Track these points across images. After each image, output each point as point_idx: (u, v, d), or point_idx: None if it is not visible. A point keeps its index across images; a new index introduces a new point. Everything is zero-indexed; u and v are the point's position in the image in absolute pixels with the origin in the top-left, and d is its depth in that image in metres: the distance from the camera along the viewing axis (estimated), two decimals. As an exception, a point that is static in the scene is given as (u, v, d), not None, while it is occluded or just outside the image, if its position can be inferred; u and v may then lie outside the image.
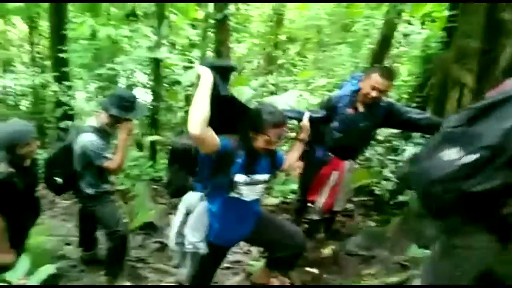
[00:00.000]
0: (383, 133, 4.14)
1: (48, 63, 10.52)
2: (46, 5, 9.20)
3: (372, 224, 3.58)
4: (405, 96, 5.24)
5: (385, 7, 6.18)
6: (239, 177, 2.13)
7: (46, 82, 6.15)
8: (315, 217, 3.37)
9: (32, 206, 2.77)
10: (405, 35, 7.34)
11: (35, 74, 6.06)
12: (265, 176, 2.27)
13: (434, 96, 4.01)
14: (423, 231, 2.91)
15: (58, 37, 7.30)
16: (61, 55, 6.49)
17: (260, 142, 2.07)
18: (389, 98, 3.10)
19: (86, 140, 2.77)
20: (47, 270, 1.70)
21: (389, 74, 2.84)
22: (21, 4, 10.86)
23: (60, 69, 6.73)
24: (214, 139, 1.95)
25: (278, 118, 2.04)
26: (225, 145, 2.02)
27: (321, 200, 3.26)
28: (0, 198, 2.43)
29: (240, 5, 8.09)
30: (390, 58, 6.76)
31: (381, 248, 3.15)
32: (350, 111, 3.01)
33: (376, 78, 2.79)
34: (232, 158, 2.09)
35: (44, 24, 12.00)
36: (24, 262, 1.70)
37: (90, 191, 2.94)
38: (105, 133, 2.92)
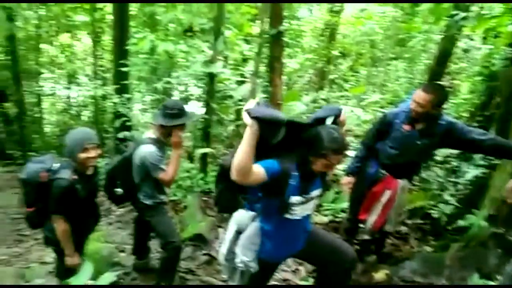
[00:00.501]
0: (441, 153, 3.94)
1: (109, 75, 11.23)
2: (110, 21, 9.82)
3: (429, 249, 3.38)
4: (466, 114, 4.98)
5: (444, 21, 5.95)
6: (294, 199, 2.11)
7: (107, 93, 6.48)
8: (365, 236, 3.26)
9: (92, 213, 2.90)
10: (465, 51, 7.02)
11: (97, 86, 6.40)
12: (317, 192, 2.25)
13: (499, 115, 3.77)
14: (486, 260, 2.71)
15: (120, 51, 7.74)
16: (122, 68, 6.83)
17: (319, 166, 2.05)
18: (449, 117, 2.94)
19: (146, 151, 2.87)
20: (109, 277, 1.75)
21: (431, 89, 2.74)
22: (87, 19, 11.69)
23: (121, 82, 7.10)
24: (258, 177, 1.94)
25: (340, 145, 2.00)
26: (274, 173, 2.00)
27: (371, 219, 3.15)
28: (63, 204, 2.56)
29: (293, 21, 8.14)
30: (449, 74, 6.47)
31: (438, 276, 2.96)
32: (406, 128, 2.91)
33: (418, 92, 2.75)
34: (284, 183, 2.06)
35: (106, 39, 12.85)
36: (88, 268, 1.75)
37: (148, 201, 3.03)
38: (162, 144, 3.01)
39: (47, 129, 12.86)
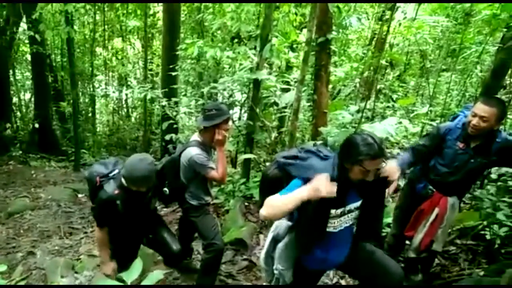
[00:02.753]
0: (497, 171, 3.74)
1: (158, 79, 11.67)
2: (160, 27, 10.18)
3: (480, 272, 3.21)
4: (523, 132, 4.70)
5: (500, 33, 5.69)
6: (331, 212, 2.08)
7: (156, 97, 6.72)
8: (412, 254, 3.12)
9: (137, 228, 2.97)
10: (524, 64, 6.65)
11: (146, 89, 6.66)
12: (357, 204, 2.17)
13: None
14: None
15: (169, 56, 8.02)
16: (170, 73, 7.07)
17: (356, 173, 1.99)
18: (507, 134, 2.79)
19: (192, 153, 2.94)
20: (157, 275, 1.78)
21: (494, 101, 2.57)
22: (138, 25, 12.21)
23: (169, 86, 7.35)
24: (285, 213, 1.96)
25: (376, 150, 1.91)
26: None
27: (418, 236, 3.02)
28: (100, 214, 2.73)
29: (341, 29, 8.08)
30: (505, 88, 6.15)
31: (491, 302, 2.80)
32: (460, 145, 2.78)
33: (478, 105, 2.59)
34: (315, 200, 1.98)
35: (157, 44, 13.37)
36: (138, 265, 1.79)
37: (193, 202, 3.11)
38: (207, 146, 3.09)
39: (99, 128, 13.52)
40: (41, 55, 9.75)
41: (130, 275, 1.70)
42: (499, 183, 3.80)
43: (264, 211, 1.96)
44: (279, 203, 1.92)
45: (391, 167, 2.85)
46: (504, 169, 3.76)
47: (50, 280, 3.77)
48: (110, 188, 2.66)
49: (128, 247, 3.00)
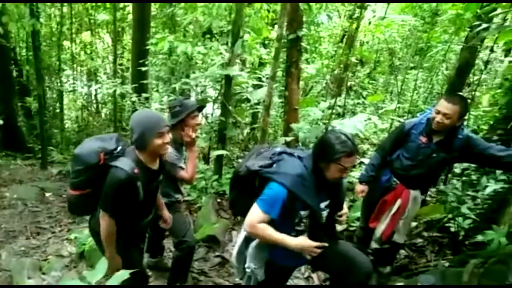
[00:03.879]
0: (460, 166, 3.90)
1: (128, 74, 11.43)
2: (130, 20, 9.97)
3: (445, 263, 3.34)
4: (485, 127, 4.90)
5: (465, 32, 5.91)
6: (303, 213, 2.11)
7: (126, 92, 6.60)
8: (374, 245, 3.21)
9: (147, 213, 2.51)
10: (487, 62, 6.94)
11: (116, 84, 6.52)
12: (326, 203, 2.22)
13: (520, 129, 3.71)
14: (506, 279, 2.65)
15: (139, 51, 7.89)
16: (141, 68, 6.95)
17: (333, 172, 2.04)
18: (468, 131, 2.91)
19: None
20: (122, 276, 1.73)
21: (456, 99, 2.69)
22: (107, 18, 11.92)
23: (139, 81, 7.22)
24: (265, 223, 2.09)
25: (351, 147, 1.98)
26: (280, 208, 2.04)
27: (380, 227, 3.12)
28: (116, 201, 2.14)
29: (312, 26, 8.15)
30: (469, 85, 6.41)
31: (456, 291, 2.91)
32: (423, 139, 2.89)
33: (441, 102, 2.71)
34: (292, 204, 2.06)
35: (127, 38, 13.10)
36: (102, 264, 1.74)
37: (164, 200, 3.07)
38: (178, 145, 3.06)
39: (67, 124, 13.13)
40: (5, 48, 9.35)
41: (95, 275, 1.65)
42: (463, 178, 3.97)
43: (250, 229, 2.09)
44: (268, 236, 2.08)
45: (356, 190, 3.24)
46: (467, 164, 3.92)
47: (16, 282, 3.66)
48: (127, 165, 2.10)
49: (137, 240, 2.56)
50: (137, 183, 2.13)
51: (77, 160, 2.21)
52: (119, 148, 2.23)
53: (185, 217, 3.27)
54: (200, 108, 3.21)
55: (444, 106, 2.67)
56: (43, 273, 3.81)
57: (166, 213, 2.95)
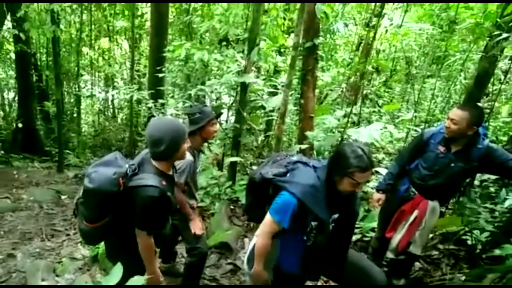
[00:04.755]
0: (479, 177, 3.82)
1: (144, 80, 11.58)
2: (148, 28, 10.12)
3: (462, 277, 3.25)
4: (505, 138, 4.82)
5: (483, 41, 5.81)
6: (315, 223, 2.09)
7: (142, 98, 6.67)
8: (390, 255, 3.16)
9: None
10: (506, 72, 6.80)
11: (133, 90, 6.59)
12: (335, 216, 2.18)
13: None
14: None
15: (156, 58, 7.99)
16: (157, 74, 7.03)
17: (345, 185, 2.00)
18: (488, 141, 2.84)
19: None
20: (138, 280, 1.74)
21: (468, 107, 2.70)
22: (126, 25, 12.12)
23: (156, 87, 7.30)
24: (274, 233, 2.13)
25: (366, 163, 1.93)
26: (290, 218, 2.03)
27: (396, 237, 3.07)
28: (154, 217, 2.11)
29: (328, 35, 8.15)
30: (488, 95, 6.28)
31: (472, 307, 2.84)
32: (441, 149, 2.84)
33: (453, 110, 2.74)
34: (304, 216, 2.04)
35: (144, 45, 13.29)
36: (118, 270, 1.74)
37: (177, 205, 3.07)
38: (196, 151, 3.07)
39: (84, 128, 13.35)
40: (26, 54, 9.60)
41: (110, 281, 1.65)
42: (482, 190, 3.89)
43: (260, 236, 2.15)
44: (259, 253, 2.18)
45: (373, 199, 3.21)
46: (486, 175, 3.84)
47: (30, 283, 3.70)
48: (153, 181, 2.03)
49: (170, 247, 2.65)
50: (167, 194, 2.10)
51: (93, 193, 2.04)
52: (129, 166, 2.12)
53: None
54: (218, 115, 3.25)
55: (453, 112, 2.71)
56: (57, 275, 3.85)
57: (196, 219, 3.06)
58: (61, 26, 9.93)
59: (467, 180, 3.16)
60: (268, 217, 2.10)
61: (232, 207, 4.94)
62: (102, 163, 2.14)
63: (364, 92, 7.50)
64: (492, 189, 3.79)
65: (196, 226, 3.03)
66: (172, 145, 2.11)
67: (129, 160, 2.24)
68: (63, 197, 6.64)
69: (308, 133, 4.82)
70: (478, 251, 3.41)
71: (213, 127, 3.03)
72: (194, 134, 2.98)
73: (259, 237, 2.15)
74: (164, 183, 2.09)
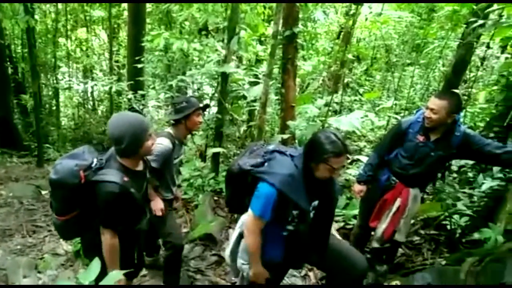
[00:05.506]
0: (457, 163, 3.90)
1: (124, 71, 11.37)
2: (126, 17, 9.91)
3: (442, 262, 3.34)
4: (482, 124, 4.91)
5: (461, 29, 5.90)
6: (295, 212, 2.11)
7: (122, 89, 6.56)
8: (375, 244, 3.21)
9: (140, 217, 2.39)
10: (483, 59, 6.93)
11: (112, 81, 6.47)
12: (315, 203, 2.21)
13: (517, 126, 3.71)
14: (502, 277, 2.65)
15: (135, 48, 7.84)
16: (136, 65, 6.91)
17: (322, 172, 2.02)
18: (465, 127, 2.90)
19: (158, 141, 2.76)
20: (116, 275, 1.72)
21: (445, 95, 2.73)
22: (103, 15, 11.85)
23: (135, 78, 7.18)
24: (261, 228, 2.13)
25: (340, 148, 1.96)
26: (272, 210, 2.04)
27: (381, 227, 3.11)
28: (115, 213, 2.07)
29: (308, 23, 8.12)
30: (465, 82, 6.40)
31: (452, 290, 2.90)
32: (420, 138, 2.87)
33: (431, 98, 2.76)
34: (286, 205, 2.06)
35: (123, 35, 13.02)
36: (96, 264, 1.71)
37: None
38: (178, 141, 3.05)
39: (63, 122, 13.07)
40: (0, 45, 9.29)
41: (88, 276, 1.63)
42: (460, 175, 3.97)
43: (248, 236, 2.16)
44: (252, 250, 2.18)
45: (354, 190, 3.25)
46: (463, 161, 3.92)
47: (11, 281, 3.64)
48: (116, 177, 2.01)
49: (133, 248, 2.46)
50: (130, 190, 2.06)
51: (56, 185, 2.07)
52: (95, 160, 2.10)
53: (172, 216, 3.25)
54: (206, 106, 3.29)
55: (432, 101, 2.72)
56: (39, 272, 3.80)
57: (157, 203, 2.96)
58: (36, 16, 9.63)
59: (446, 165, 3.21)
60: (250, 214, 2.10)
61: (215, 198, 4.93)
62: (68, 156, 2.15)
63: (345, 80, 7.54)
64: (470, 174, 3.88)
65: (155, 206, 2.95)
66: (134, 141, 2.06)
67: (101, 154, 2.20)
68: (43, 192, 6.52)
69: (289, 123, 4.82)
70: (457, 235, 3.50)
71: (198, 117, 3.03)
72: (178, 123, 2.99)
73: (248, 237, 2.15)
74: (126, 179, 2.05)
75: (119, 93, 8.21)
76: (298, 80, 6.12)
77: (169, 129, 3.07)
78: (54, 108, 12.57)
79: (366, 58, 9.06)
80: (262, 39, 7.35)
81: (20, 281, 3.62)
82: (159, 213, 2.95)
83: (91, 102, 13.99)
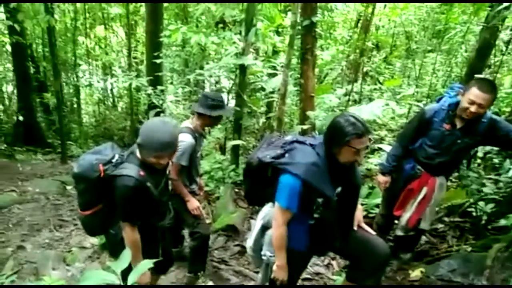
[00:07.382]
0: (482, 149, 3.80)
1: (142, 67, 11.49)
2: (143, 13, 9.98)
3: (468, 248, 3.27)
4: (507, 109, 4.77)
5: (484, 12, 5.71)
6: (321, 200, 2.08)
7: (141, 85, 6.63)
8: (400, 233, 3.18)
9: (162, 214, 2.47)
10: (508, 43, 6.70)
11: (131, 77, 6.56)
12: (338, 190, 2.17)
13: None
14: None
15: (153, 44, 7.89)
16: (155, 60, 6.96)
17: (345, 155, 2.00)
18: (491, 113, 2.81)
19: (181, 138, 2.79)
20: (147, 264, 1.74)
21: (490, 87, 2.55)
22: (120, 12, 11.96)
23: (154, 74, 7.24)
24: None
25: (361, 128, 1.93)
26: (298, 202, 2.03)
27: (406, 215, 3.07)
28: (133, 208, 2.10)
29: (326, 12, 8.02)
30: (490, 67, 6.21)
31: (478, 277, 2.85)
32: (446, 126, 2.79)
33: (475, 92, 2.54)
34: (311, 195, 2.04)
35: (140, 31, 13.14)
36: (127, 254, 1.74)
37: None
38: (199, 134, 3.07)
39: (85, 119, 13.32)
40: (22, 45, 9.50)
41: (120, 265, 1.66)
42: (485, 162, 3.88)
43: (276, 229, 2.13)
44: (278, 245, 2.16)
45: (379, 181, 3.20)
46: (489, 147, 3.82)
47: (41, 273, 3.75)
48: (131, 171, 2.04)
49: (157, 244, 2.48)
50: (146, 184, 2.09)
51: (78, 179, 2.17)
52: (116, 156, 2.16)
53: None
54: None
55: (480, 96, 2.52)
56: (67, 265, 3.90)
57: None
58: (56, 16, 9.81)
59: (471, 153, 3.13)
60: (277, 206, 2.10)
61: (236, 190, 4.96)
62: (92, 152, 2.24)
63: (365, 69, 7.42)
64: (496, 160, 3.78)
65: (192, 206, 3.04)
66: (144, 147, 2.08)
67: (119, 150, 2.26)
68: (68, 187, 6.68)
69: (309, 113, 4.80)
70: (483, 222, 3.42)
71: (219, 122, 3.21)
72: (203, 117, 3.03)
73: (275, 228, 2.14)
74: (142, 173, 2.07)
75: (138, 89, 8.29)
76: (316, 70, 6.05)
77: (187, 123, 3.08)
78: (75, 105, 12.81)
79: (385, 46, 8.89)
80: (279, 30, 7.30)
81: (50, 273, 3.72)
82: (197, 213, 3.03)
83: (111, 99, 14.19)
